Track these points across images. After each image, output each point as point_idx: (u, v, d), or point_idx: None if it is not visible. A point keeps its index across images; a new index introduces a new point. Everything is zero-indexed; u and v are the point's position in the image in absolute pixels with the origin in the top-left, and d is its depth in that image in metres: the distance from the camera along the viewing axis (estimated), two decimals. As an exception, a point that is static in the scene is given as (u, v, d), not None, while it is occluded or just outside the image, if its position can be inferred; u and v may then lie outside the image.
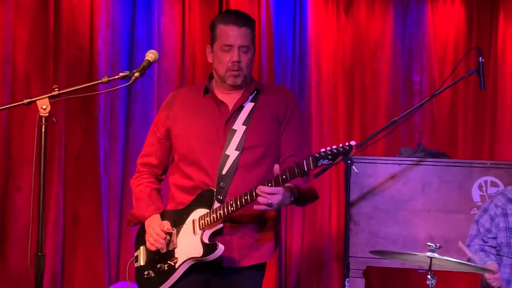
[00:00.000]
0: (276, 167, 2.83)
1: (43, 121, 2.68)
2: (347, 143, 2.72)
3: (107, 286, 4.82)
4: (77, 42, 4.88)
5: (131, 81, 2.81)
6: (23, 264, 4.55)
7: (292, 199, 2.94)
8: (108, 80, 2.81)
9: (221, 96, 3.10)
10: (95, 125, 4.90)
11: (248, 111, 3.06)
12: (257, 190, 2.81)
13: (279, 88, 3.40)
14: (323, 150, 2.73)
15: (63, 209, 4.81)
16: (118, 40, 5.00)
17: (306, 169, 2.74)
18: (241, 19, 3.04)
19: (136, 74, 2.80)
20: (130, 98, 5.03)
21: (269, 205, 2.82)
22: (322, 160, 2.71)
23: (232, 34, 3.00)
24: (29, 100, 2.73)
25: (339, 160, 2.74)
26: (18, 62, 4.72)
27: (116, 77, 2.82)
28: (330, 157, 2.71)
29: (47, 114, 2.68)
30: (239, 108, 3.07)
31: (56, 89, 2.74)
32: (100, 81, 2.83)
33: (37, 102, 2.70)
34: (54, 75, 4.77)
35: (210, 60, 3.12)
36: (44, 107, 2.69)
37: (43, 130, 2.67)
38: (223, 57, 3.02)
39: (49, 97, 2.71)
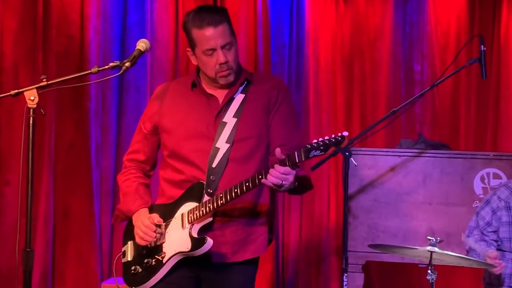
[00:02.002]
0: (278, 150, 2.73)
1: (31, 113, 2.63)
2: (339, 134, 2.65)
3: (99, 282, 4.78)
4: (67, 31, 4.81)
5: (121, 71, 2.74)
6: (13, 261, 4.47)
7: (296, 184, 2.83)
8: (98, 71, 2.74)
9: (210, 89, 3.01)
10: (86, 117, 4.84)
11: (239, 103, 2.97)
12: (272, 169, 2.70)
13: (269, 77, 3.32)
14: (315, 141, 2.65)
15: (53, 204, 4.78)
16: (109, 29, 4.93)
17: (297, 161, 2.66)
18: (214, 16, 2.88)
19: (127, 64, 2.74)
20: (122, 89, 4.98)
21: (280, 186, 2.72)
22: (314, 151, 2.63)
23: (210, 36, 2.87)
24: (16, 91, 2.68)
25: (334, 153, 2.64)
26: (6, 51, 4.66)
27: (106, 67, 2.76)
28: (322, 148, 2.63)
29: (35, 106, 2.64)
30: (229, 100, 2.98)
31: (44, 79, 2.69)
32: (89, 71, 2.76)
33: (25, 93, 2.66)
34: (44, 65, 4.71)
35: (194, 62, 3.01)
36: (32, 98, 2.64)
37: (31, 122, 2.63)
38: (209, 61, 2.91)
39: (37, 88, 2.66)
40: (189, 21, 2.92)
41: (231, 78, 2.95)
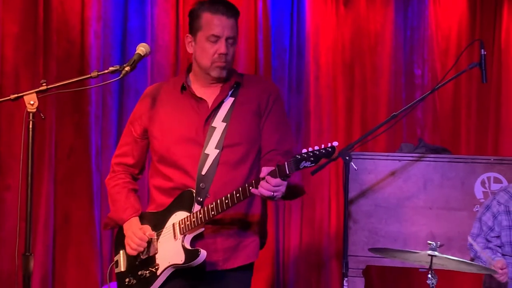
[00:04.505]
0: (264, 170, 2.70)
1: (31, 117, 2.63)
2: (329, 144, 2.60)
3: (100, 287, 4.75)
4: (67, 35, 4.80)
5: (121, 75, 2.75)
6: (13, 265, 4.45)
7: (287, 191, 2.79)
8: (98, 75, 2.75)
9: (199, 92, 2.98)
10: (86, 121, 4.82)
11: (228, 107, 2.95)
12: (263, 181, 2.66)
13: (260, 79, 3.30)
14: (304, 151, 2.60)
15: (53, 208, 4.74)
16: (110, 33, 4.92)
17: (287, 172, 2.61)
18: (231, 9, 2.93)
19: (127, 69, 2.74)
20: (122, 93, 4.97)
21: (272, 197, 2.69)
22: (304, 162, 2.58)
23: (220, 24, 2.89)
24: (15, 95, 2.67)
25: (334, 158, 2.61)
26: (6, 56, 4.64)
27: (106, 71, 2.76)
28: (312, 159, 2.58)
29: (34, 110, 2.64)
30: (219, 104, 2.95)
31: (44, 83, 2.69)
32: (89, 75, 2.76)
33: (24, 97, 2.66)
34: (44, 69, 4.69)
35: (190, 50, 2.99)
36: (32, 102, 2.64)
37: (30, 126, 2.62)
38: (209, 48, 2.90)
39: (36, 92, 2.66)
40: (203, 5, 2.93)
41: (224, 72, 2.94)
